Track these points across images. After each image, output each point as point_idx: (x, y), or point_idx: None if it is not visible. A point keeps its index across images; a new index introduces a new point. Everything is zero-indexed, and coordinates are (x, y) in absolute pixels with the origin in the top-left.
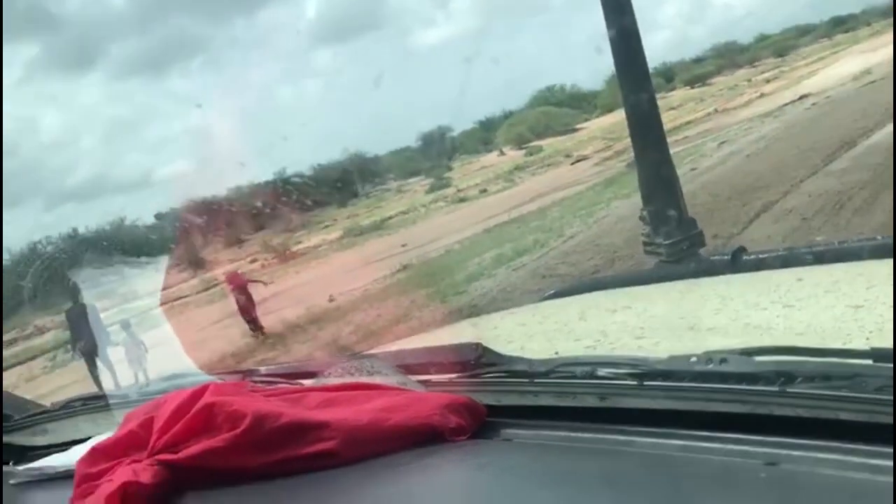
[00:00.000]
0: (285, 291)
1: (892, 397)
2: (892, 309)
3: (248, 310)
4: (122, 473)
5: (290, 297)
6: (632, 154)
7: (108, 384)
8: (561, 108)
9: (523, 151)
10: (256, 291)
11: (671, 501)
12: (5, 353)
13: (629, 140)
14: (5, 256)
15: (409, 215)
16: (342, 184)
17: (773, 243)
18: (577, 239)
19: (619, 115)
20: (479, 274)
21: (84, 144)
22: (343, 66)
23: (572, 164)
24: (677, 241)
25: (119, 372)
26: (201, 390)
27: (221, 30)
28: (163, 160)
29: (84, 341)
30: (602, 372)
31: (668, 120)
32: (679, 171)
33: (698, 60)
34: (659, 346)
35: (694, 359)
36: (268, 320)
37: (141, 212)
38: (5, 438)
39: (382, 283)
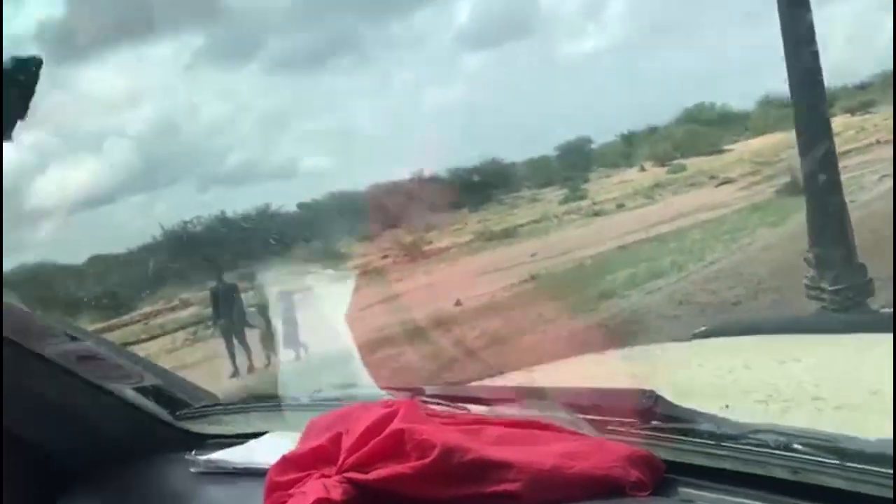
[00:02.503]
0: (412, 291)
1: None
2: None
3: None
4: (314, 488)
5: (416, 297)
6: (782, 181)
7: (241, 363)
8: (709, 127)
9: (665, 169)
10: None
11: None
12: (152, 322)
13: (779, 165)
14: (159, 231)
15: (540, 225)
16: (476, 188)
17: None
18: (718, 265)
19: (771, 139)
20: (611, 293)
21: (238, 132)
22: (489, 71)
23: (717, 185)
24: (844, 289)
25: (253, 353)
26: (392, 413)
27: (376, 29)
28: (309, 152)
29: (224, 320)
30: (798, 445)
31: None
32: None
33: (862, 87)
34: (840, 410)
35: None
36: (394, 318)
37: (285, 200)
38: (184, 425)
39: (510, 292)
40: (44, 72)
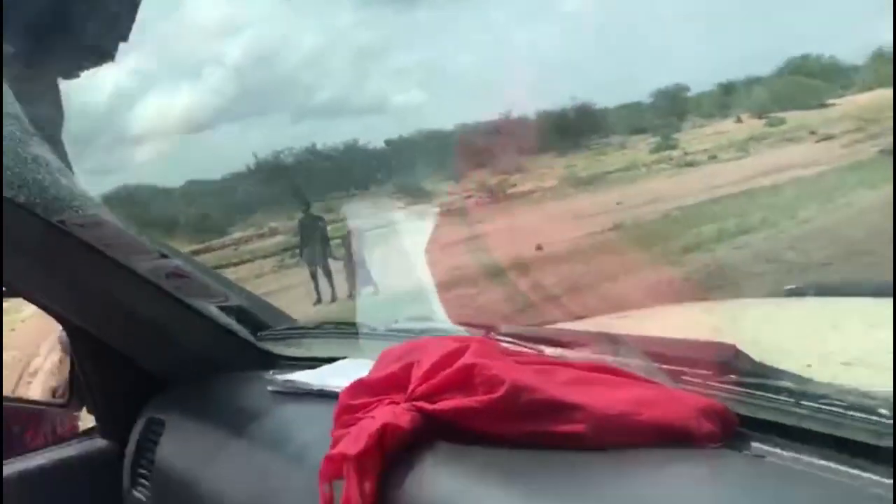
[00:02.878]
0: (493, 233)
1: None
2: None
3: None
4: (383, 413)
5: (497, 240)
6: (887, 139)
7: (324, 292)
8: (813, 80)
9: (763, 121)
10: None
11: None
12: (242, 248)
13: (886, 123)
14: (252, 160)
15: (628, 173)
16: (565, 132)
17: None
18: (811, 224)
19: (879, 96)
20: (697, 246)
21: (332, 65)
22: (587, 11)
23: (817, 141)
24: None
25: (335, 283)
26: (463, 348)
27: None
28: (399, 88)
29: (309, 249)
30: (885, 410)
31: None
32: None
33: None
34: None
35: None
36: (474, 258)
37: (373, 136)
38: (264, 345)
39: (592, 239)
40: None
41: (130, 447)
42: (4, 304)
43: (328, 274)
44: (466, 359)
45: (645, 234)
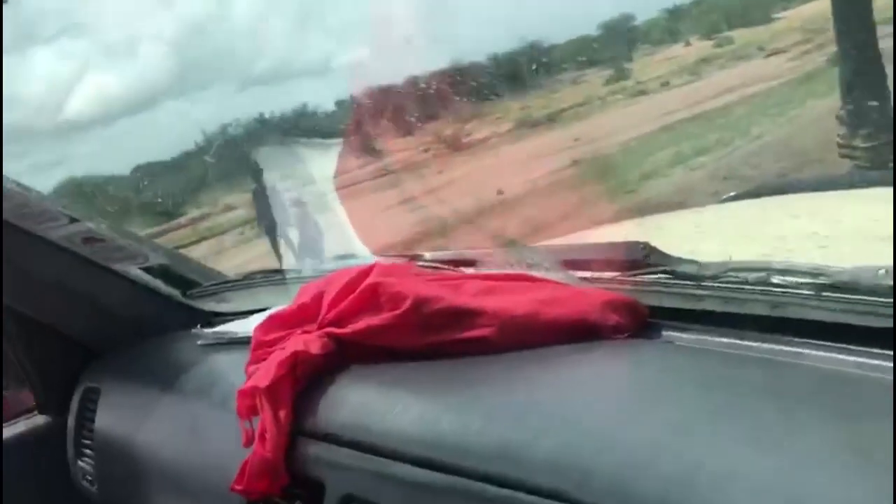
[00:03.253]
0: (454, 182)
1: None
2: None
3: None
4: (294, 342)
5: (458, 188)
6: (833, 49)
7: (287, 260)
8: None
9: (712, 42)
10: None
11: (841, 417)
12: (199, 226)
13: (832, 33)
14: (199, 136)
15: (583, 108)
16: (516, 74)
17: None
18: (764, 139)
19: (823, 4)
20: (654, 173)
21: (271, 29)
22: None
23: (766, 57)
24: (878, 145)
25: (297, 249)
26: (368, 269)
27: None
28: (343, 47)
29: (266, 219)
30: (776, 279)
31: (879, 9)
32: (888, 69)
33: None
34: (843, 256)
35: (882, 271)
36: (435, 210)
37: (322, 98)
38: (195, 303)
39: (552, 178)
40: None
41: (71, 419)
42: None
43: (288, 241)
44: (371, 279)
45: (604, 167)
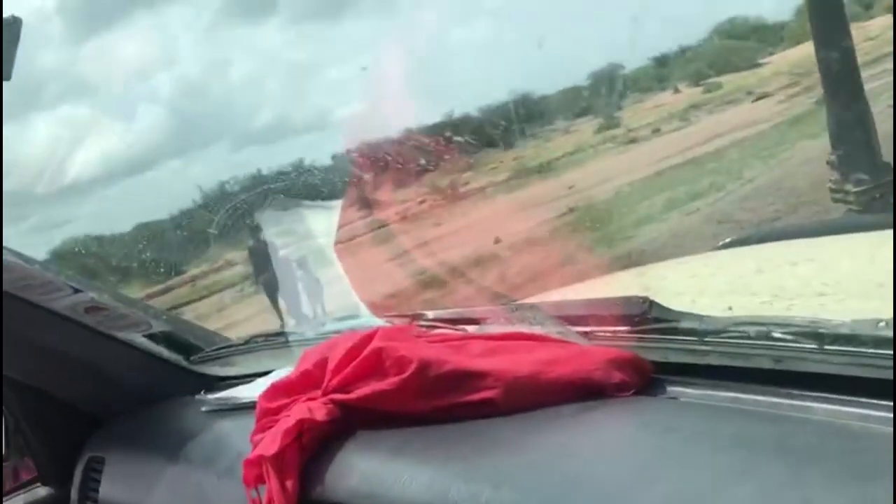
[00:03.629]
0: (452, 233)
1: None
2: None
3: None
4: (299, 410)
5: (456, 239)
6: (821, 91)
7: (287, 317)
8: (743, 42)
9: (700, 88)
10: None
11: (848, 472)
12: (199, 284)
13: (819, 75)
14: (198, 194)
15: (576, 156)
16: (509, 125)
17: None
18: (756, 182)
19: (809, 48)
20: (650, 218)
21: (267, 88)
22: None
23: (754, 101)
24: (869, 189)
25: (298, 306)
26: (371, 335)
27: None
28: (338, 103)
29: (266, 276)
30: (778, 333)
31: (864, 51)
32: (874, 110)
33: None
34: (844, 304)
35: (882, 323)
36: (433, 261)
37: (318, 154)
38: (199, 368)
39: (549, 226)
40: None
41: (74, 491)
42: None
43: (288, 298)
44: (374, 344)
45: (599, 214)
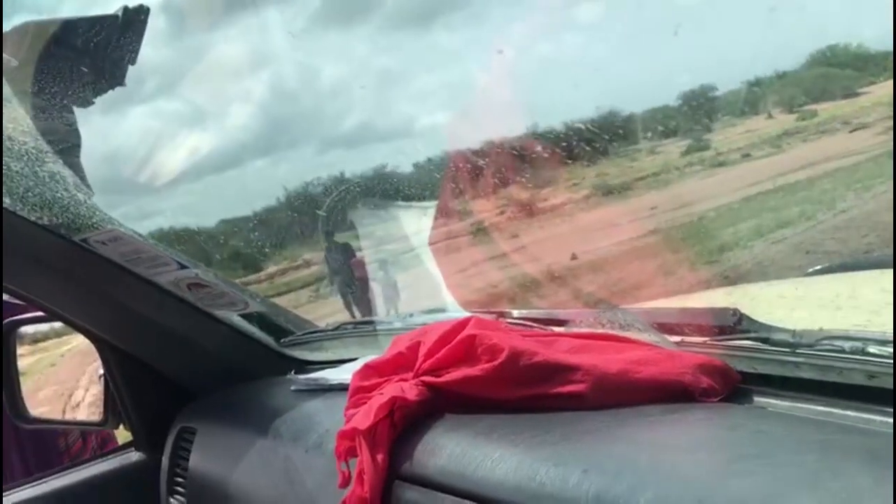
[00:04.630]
0: (528, 246)
1: None
2: None
3: None
4: (392, 389)
5: (532, 253)
6: None
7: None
8: (843, 70)
9: (795, 116)
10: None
11: None
12: (279, 280)
13: None
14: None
15: (661, 177)
16: (594, 141)
17: None
18: (849, 214)
19: None
20: (734, 244)
21: (355, 94)
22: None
23: (851, 131)
24: None
25: (373, 308)
26: (464, 322)
27: None
28: (424, 111)
29: (340, 276)
30: (874, 349)
31: None
32: None
33: None
34: None
35: None
36: (508, 273)
37: (401, 160)
38: (288, 351)
39: (628, 246)
40: (173, 43)
41: (165, 457)
42: (46, 341)
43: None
44: (467, 331)
45: (681, 237)
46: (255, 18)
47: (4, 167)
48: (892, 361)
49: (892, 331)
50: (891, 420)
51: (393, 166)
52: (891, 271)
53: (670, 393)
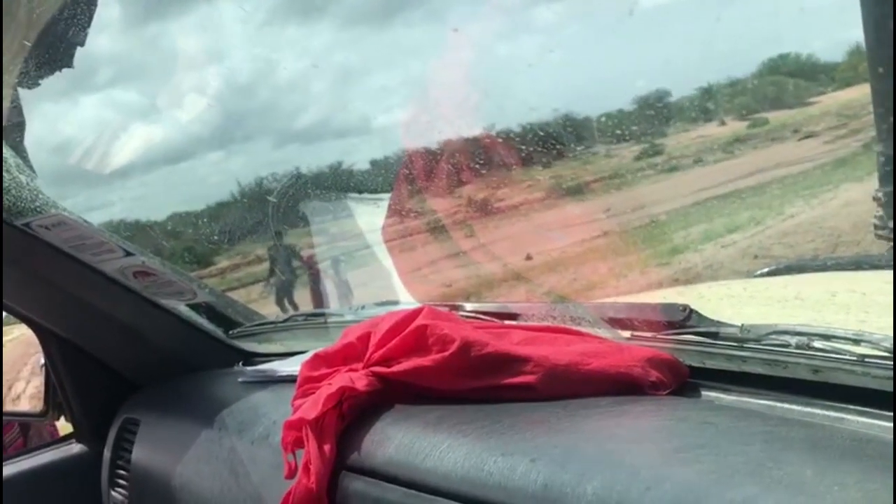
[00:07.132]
0: (484, 245)
1: None
2: None
3: None
4: (340, 379)
5: (488, 252)
6: (869, 134)
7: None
8: (793, 79)
9: (746, 123)
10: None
11: (881, 482)
12: (231, 276)
13: (867, 118)
14: (236, 187)
15: (614, 181)
16: (549, 144)
17: None
18: (797, 219)
19: (860, 91)
20: (685, 247)
21: (313, 89)
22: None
23: (800, 139)
24: None
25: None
26: (416, 312)
27: None
28: (381, 108)
29: (279, 276)
30: (818, 344)
31: None
32: None
33: None
34: (884, 330)
35: None
36: (463, 272)
37: (357, 157)
38: (236, 343)
39: (582, 247)
40: (128, 31)
41: (107, 449)
42: None
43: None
44: (419, 321)
45: (633, 239)
46: (213, 10)
47: None
48: (836, 357)
49: (833, 327)
50: (833, 414)
51: (349, 163)
52: (832, 273)
53: (619, 385)
